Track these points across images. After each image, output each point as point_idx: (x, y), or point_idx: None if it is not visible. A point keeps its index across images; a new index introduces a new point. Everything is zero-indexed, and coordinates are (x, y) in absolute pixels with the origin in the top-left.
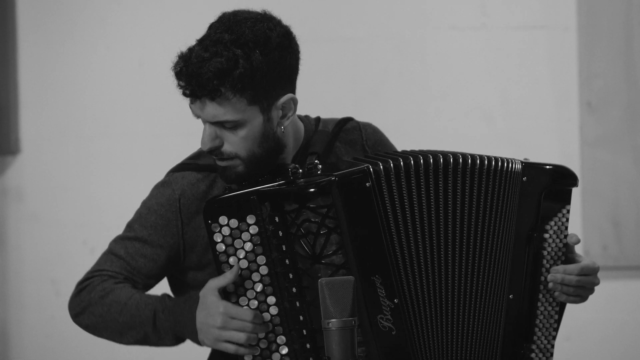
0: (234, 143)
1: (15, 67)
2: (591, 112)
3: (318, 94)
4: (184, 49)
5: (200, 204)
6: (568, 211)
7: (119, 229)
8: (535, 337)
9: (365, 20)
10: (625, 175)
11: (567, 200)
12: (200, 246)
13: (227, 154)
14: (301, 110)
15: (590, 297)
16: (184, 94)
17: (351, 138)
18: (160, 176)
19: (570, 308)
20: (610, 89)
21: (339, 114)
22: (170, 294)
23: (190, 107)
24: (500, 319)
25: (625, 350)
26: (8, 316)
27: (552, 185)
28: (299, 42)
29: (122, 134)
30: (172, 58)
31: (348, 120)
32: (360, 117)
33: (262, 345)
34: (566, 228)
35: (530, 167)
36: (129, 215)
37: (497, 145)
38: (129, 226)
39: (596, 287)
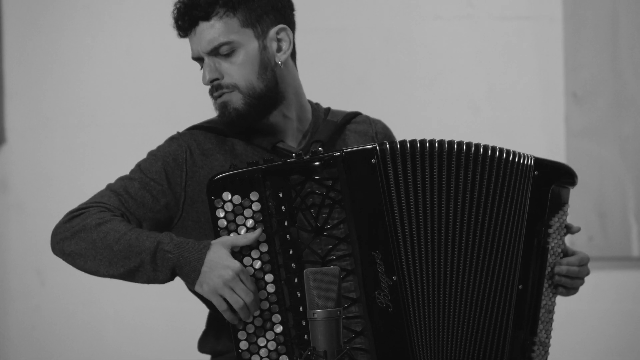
0: (233, 72)
1: (0, 56)
2: (577, 103)
3: (304, 85)
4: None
5: (205, 160)
6: (567, 209)
7: None
8: (537, 330)
9: (351, 11)
10: (611, 166)
11: (567, 199)
12: (200, 204)
13: (226, 85)
14: None
15: None
16: (182, 27)
17: (361, 129)
18: None
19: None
20: (596, 79)
21: (325, 105)
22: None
23: (191, 47)
24: (510, 308)
25: (610, 339)
26: None
27: (558, 182)
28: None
29: (108, 123)
30: (158, 47)
31: (357, 114)
32: (347, 107)
33: (257, 323)
34: (565, 226)
35: (539, 163)
36: None
37: (482, 135)
38: (133, 170)
39: None
